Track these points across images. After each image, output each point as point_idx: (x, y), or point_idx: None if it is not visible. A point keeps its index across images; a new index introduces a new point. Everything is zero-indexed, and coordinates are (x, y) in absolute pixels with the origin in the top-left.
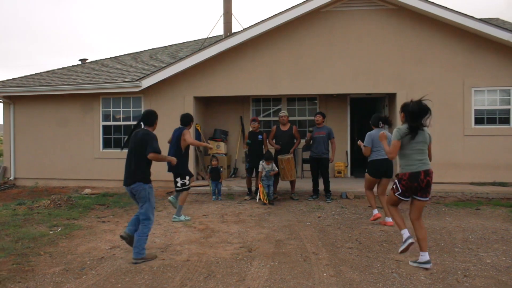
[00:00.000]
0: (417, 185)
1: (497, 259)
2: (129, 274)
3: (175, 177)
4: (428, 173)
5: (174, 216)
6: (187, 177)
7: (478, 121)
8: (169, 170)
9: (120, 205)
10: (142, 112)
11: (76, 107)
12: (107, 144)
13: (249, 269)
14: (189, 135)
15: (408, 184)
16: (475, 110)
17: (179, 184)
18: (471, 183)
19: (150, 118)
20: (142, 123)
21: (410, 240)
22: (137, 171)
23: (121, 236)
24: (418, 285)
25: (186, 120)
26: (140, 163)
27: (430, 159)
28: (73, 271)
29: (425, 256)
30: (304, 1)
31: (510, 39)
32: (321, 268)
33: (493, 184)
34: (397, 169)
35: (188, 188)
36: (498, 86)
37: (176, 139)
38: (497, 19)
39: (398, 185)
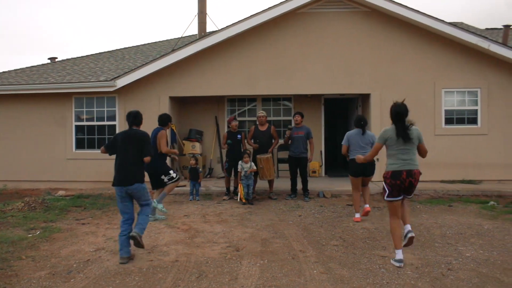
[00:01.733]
0: (400, 183)
1: (475, 252)
2: (119, 276)
3: (157, 176)
4: (411, 174)
5: (154, 200)
6: (171, 171)
7: (448, 121)
8: (147, 170)
9: (97, 206)
10: (129, 113)
11: (47, 107)
12: (80, 144)
13: (239, 268)
14: (164, 140)
15: (392, 182)
16: (445, 110)
17: (166, 180)
18: (442, 181)
19: (139, 118)
20: (130, 123)
21: (398, 264)
22: (137, 172)
23: (122, 263)
24: (406, 279)
25: (162, 121)
26: (139, 164)
27: (424, 156)
28: (59, 274)
29: (398, 255)
30: (280, 3)
31: (478, 43)
32: (310, 265)
33: (463, 181)
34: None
35: (178, 179)
36: (467, 88)
37: (153, 139)
38: (462, 23)
39: (384, 185)
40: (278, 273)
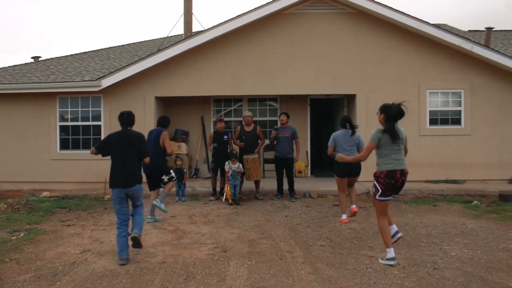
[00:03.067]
0: (394, 183)
1: (460, 251)
2: (106, 278)
3: (159, 176)
4: (403, 173)
5: (156, 200)
6: (171, 171)
7: (432, 121)
8: (153, 172)
9: (83, 207)
10: (122, 113)
11: (31, 107)
12: (64, 145)
13: (227, 269)
14: (168, 140)
15: (386, 182)
16: (430, 111)
17: (166, 180)
18: (426, 181)
19: (133, 118)
20: (124, 123)
21: (392, 262)
22: (136, 173)
23: (122, 264)
24: (392, 279)
25: (164, 122)
26: (138, 164)
27: (405, 155)
28: (45, 277)
29: (390, 253)
30: (266, 3)
31: (462, 44)
32: (298, 266)
33: (446, 181)
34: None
35: (176, 178)
36: (451, 89)
37: (155, 140)
38: (445, 24)
39: (376, 185)
40: (266, 274)
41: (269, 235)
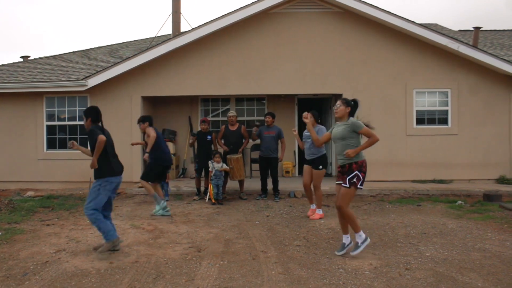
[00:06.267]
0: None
1: (435, 252)
2: (75, 277)
3: (167, 169)
4: None
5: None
6: None
7: (419, 121)
8: (169, 163)
9: (66, 207)
10: (97, 110)
11: (17, 107)
12: (51, 144)
13: (198, 269)
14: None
15: (365, 170)
16: (417, 111)
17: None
18: (413, 181)
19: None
20: (99, 119)
21: (368, 241)
22: None
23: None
24: (362, 279)
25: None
26: None
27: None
28: (14, 277)
29: (362, 235)
30: (252, 3)
31: (448, 44)
32: (269, 266)
33: (433, 181)
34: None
35: None
36: (438, 88)
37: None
38: (436, 24)
39: (359, 174)
40: (236, 274)
41: (246, 235)
